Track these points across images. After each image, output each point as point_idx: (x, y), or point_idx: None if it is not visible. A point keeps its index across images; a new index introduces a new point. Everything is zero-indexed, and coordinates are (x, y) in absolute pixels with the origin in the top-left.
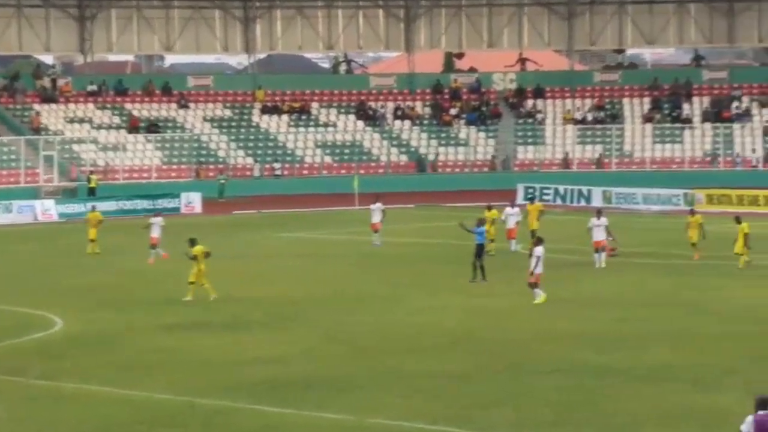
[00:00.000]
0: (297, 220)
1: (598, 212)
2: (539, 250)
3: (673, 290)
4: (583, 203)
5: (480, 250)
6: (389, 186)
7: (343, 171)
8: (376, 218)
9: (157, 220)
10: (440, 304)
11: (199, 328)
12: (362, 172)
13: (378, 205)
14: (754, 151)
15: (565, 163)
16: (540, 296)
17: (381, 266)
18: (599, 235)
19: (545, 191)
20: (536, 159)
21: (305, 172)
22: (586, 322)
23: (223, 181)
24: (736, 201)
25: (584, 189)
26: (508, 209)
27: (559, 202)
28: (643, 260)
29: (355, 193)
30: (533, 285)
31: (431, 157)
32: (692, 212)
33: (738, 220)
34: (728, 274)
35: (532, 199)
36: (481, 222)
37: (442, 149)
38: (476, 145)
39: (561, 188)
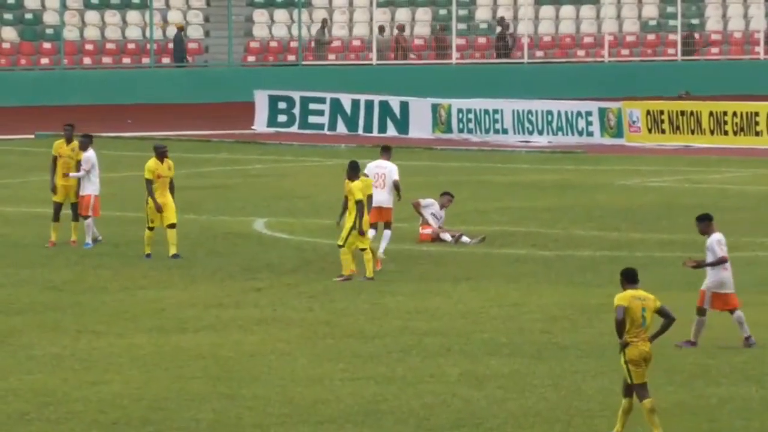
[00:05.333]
0: None
1: (385, 150)
2: None
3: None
4: (393, 132)
5: None
6: None
7: None
8: None
9: None
10: None
11: None
12: None
13: None
14: (746, 19)
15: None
16: None
17: None
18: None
19: (313, 107)
20: (290, 38)
21: None
22: None
23: None
24: (710, 125)
25: (395, 101)
26: None
27: (342, 129)
28: (516, 250)
29: None
30: None
31: None
32: (351, 170)
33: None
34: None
35: None
36: None
37: None
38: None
39: (346, 100)
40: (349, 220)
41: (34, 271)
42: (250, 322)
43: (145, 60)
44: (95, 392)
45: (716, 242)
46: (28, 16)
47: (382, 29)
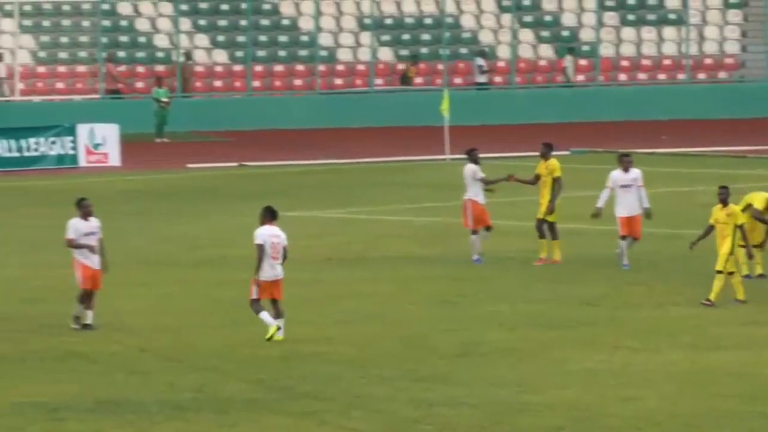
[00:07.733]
0: (320, 182)
1: None
2: None
3: None
4: None
5: None
6: (520, 111)
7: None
8: (475, 195)
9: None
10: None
11: None
12: (458, 81)
13: (470, 168)
14: None
15: None
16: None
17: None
18: None
19: None
20: None
21: (338, 81)
22: None
23: (164, 101)
24: None
25: None
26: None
27: None
28: None
29: (444, 125)
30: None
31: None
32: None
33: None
34: None
35: None
36: None
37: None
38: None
39: None
40: (725, 245)
41: (569, 287)
42: None
43: (681, 76)
44: (630, 408)
45: None
46: (565, 33)
47: None
